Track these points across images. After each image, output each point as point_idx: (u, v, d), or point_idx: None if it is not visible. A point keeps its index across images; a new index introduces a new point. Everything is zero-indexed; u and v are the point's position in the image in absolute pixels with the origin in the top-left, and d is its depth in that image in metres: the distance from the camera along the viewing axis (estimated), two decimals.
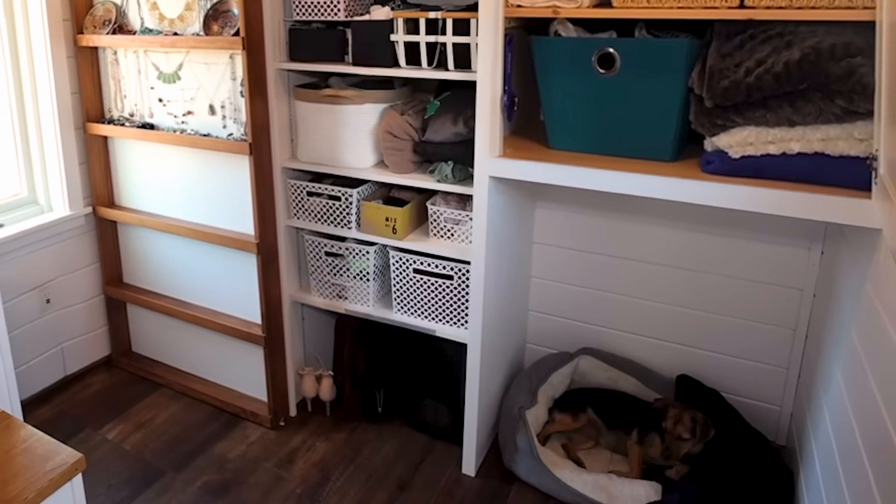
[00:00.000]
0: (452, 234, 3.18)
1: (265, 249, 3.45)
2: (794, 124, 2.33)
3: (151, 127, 3.68)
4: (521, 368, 3.85)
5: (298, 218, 3.50)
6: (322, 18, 3.16)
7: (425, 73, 2.97)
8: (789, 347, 3.24)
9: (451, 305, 3.24)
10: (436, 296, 3.26)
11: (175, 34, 3.43)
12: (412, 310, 3.35)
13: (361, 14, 3.13)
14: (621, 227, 3.48)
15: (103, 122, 3.84)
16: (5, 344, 2.51)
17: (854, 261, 2.51)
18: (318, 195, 3.39)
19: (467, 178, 3.03)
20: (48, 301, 3.90)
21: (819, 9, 2.16)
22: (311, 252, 3.54)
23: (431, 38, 2.89)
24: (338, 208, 3.35)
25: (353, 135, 3.22)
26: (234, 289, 3.73)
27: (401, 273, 3.31)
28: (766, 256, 3.19)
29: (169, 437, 3.62)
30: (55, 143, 3.79)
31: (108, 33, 3.58)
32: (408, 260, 3.26)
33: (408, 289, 3.32)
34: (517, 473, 3.24)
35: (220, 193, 3.61)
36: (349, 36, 3.12)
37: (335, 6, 3.10)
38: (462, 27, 2.81)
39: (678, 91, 2.56)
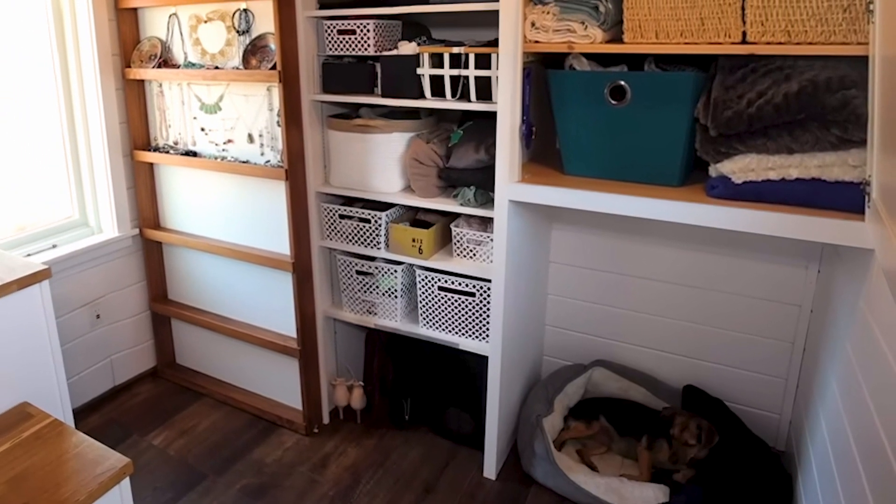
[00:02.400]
0: (474, 254, 3.20)
1: (300, 268, 3.47)
2: (793, 152, 2.35)
3: (194, 154, 3.71)
4: (538, 379, 3.86)
5: (331, 239, 3.51)
6: (353, 53, 3.18)
7: (449, 104, 2.98)
8: (788, 359, 3.25)
9: (474, 320, 3.26)
10: (459, 311, 3.28)
11: (216, 68, 3.47)
12: (437, 324, 3.37)
13: (390, 49, 3.17)
14: (632, 248, 3.49)
15: (149, 150, 3.88)
16: (58, 356, 2.55)
17: (849, 279, 2.53)
18: (350, 218, 3.40)
19: (488, 202, 3.04)
20: (98, 316, 3.93)
21: (816, 44, 2.21)
22: (342, 271, 3.55)
23: (455, 72, 2.92)
24: (368, 230, 3.36)
25: (382, 161, 3.25)
26: (271, 305, 3.73)
27: (426, 290, 3.32)
28: (767, 275, 3.19)
29: (210, 443, 3.64)
30: (105, 169, 3.82)
31: (153, 67, 3.62)
32: (433, 278, 3.28)
33: (433, 305, 3.34)
34: (535, 477, 3.26)
35: (258, 216, 3.62)
36: (378, 70, 3.15)
37: (365, 42, 3.13)
38: (483, 61, 2.84)
39: (685, 121, 2.57)
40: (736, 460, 3.04)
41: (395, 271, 3.39)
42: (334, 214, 3.46)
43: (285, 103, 3.19)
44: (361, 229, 3.39)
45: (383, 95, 3.14)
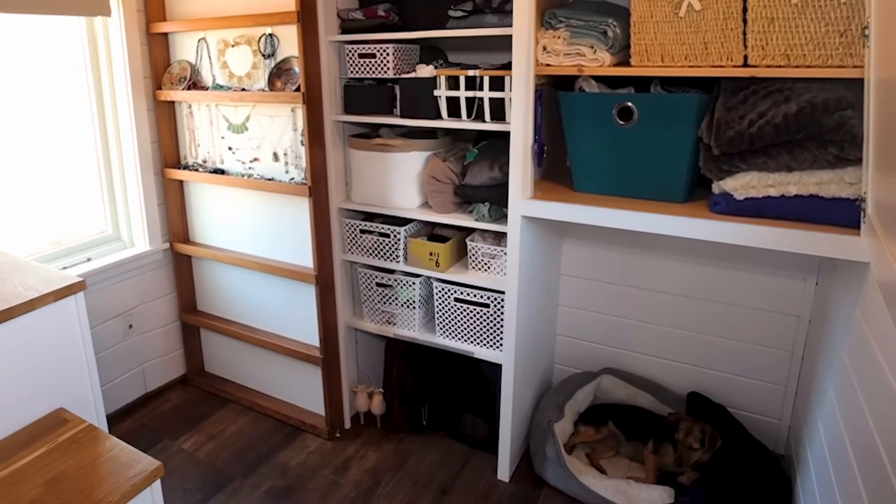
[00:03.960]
0: (489, 267, 3.20)
1: (323, 281, 3.48)
2: (792, 170, 2.35)
3: (222, 172, 3.73)
4: (549, 386, 3.86)
5: (352, 252, 3.53)
6: (373, 76, 3.20)
7: (465, 124, 2.99)
8: (787, 367, 3.25)
9: (488, 330, 3.26)
10: (474, 322, 3.29)
11: (243, 90, 3.49)
12: (453, 334, 3.38)
13: (408, 72, 3.18)
14: (639, 261, 3.49)
15: (179, 168, 3.90)
16: (93, 364, 2.56)
17: (845, 291, 2.53)
18: (370, 232, 3.41)
19: (502, 218, 3.05)
20: (131, 326, 3.96)
21: (814, 67, 2.22)
22: (363, 283, 3.57)
23: (470, 94, 2.92)
24: (387, 244, 3.37)
25: (401, 179, 3.26)
26: (295, 315, 3.75)
27: (443, 301, 3.34)
28: (767, 287, 3.20)
29: (237, 447, 3.65)
30: (137, 186, 3.84)
31: (183, 89, 3.66)
32: (449, 290, 3.29)
33: (449, 315, 3.35)
34: (546, 479, 3.27)
35: (283, 231, 3.63)
36: (397, 91, 3.15)
37: (385, 65, 3.15)
38: (497, 84, 2.85)
39: (689, 140, 2.58)
40: (738, 463, 3.05)
41: (414, 283, 3.40)
42: (355, 229, 3.48)
43: (309, 123, 3.21)
44: (381, 243, 3.40)
45: (402, 116, 3.16)
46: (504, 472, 3.38)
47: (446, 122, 3.05)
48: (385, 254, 3.43)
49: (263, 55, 3.40)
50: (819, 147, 2.27)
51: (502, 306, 3.17)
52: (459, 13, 2.96)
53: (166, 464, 3.48)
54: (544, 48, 2.68)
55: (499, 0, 2.86)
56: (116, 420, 3.91)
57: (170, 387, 4.30)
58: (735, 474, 3.01)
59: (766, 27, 2.27)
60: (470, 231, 3.38)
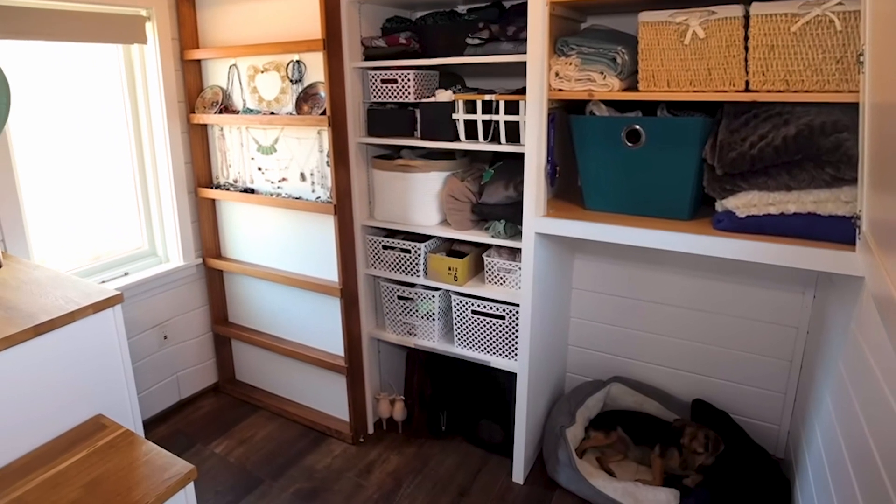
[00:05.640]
0: (504, 281, 3.22)
1: (347, 294, 3.50)
2: (791, 189, 2.36)
3: (252, 191, 3.76)
4: (561, 393, 3.87)
5: (375, 267, 3.55)
6: (395, 100, 3.23)
7: (481, 146, 3.02)
8: (786, 376, 3.25)
9: (503, 341, 3.27)
10: (490, 333, 3.30)
11: (272, 113, 3.51)
12: (470, 344, 3.39)
13: (428, 96, 3.20)
14: (646, 275, 3.50)
15: (211, 187, 3.93)
16: (130, 373, 2.54)
17: (841, 303, 2.52)
18: (392, 248, 3.43)
19: (517, 234, 3.07)
20: (165, 337, 3.99)
21: (812, 92, 2.23)
22: (385, 296, 3.58)
23: (486, 117, 2.95)
24: (408, 259, 3.39)
25: (421, 198, 3.29)
26: (320, 327, 3.77)
27: (461, 314, 3.35)
28: (767, 300, 3.20)
29: (266, 451, 3.67)
30: (171, 204, 3.89)
31: (215, 113, 3.70)
32: (467, 303, 3.31)
33: (467, 327, 3.36)
34: (559, 482, 3.28)
35: (309, 247, 3.66)
36: (418, 115, 3.18)
37: (406, 90, 3.18)
38: (512, 108, 2.87)
39: (693, 161, 2.59)
40: (739, 467, 3.06)
41: (433, 296, 3.41)
42: (378, 245, 3.50)
43: (334, 145, 3.24)
44: (402, 259, 3.43)
45: (422, 138, 3.19)
46: (519, 474, 3.40)
47: (464, 144, 3.08)
48: (406, 268, 3.45)
49: (291, 80, 3.43)
50: (817, 167, 2.29)
51: (517, 318, 3.18)
52: (477, 41, 2.99)
53: (199, 467, 3.51)
54: (557, 74, 2.71)
55: (514, 29, 2.89)
56: (152, 425, 3.94)
57: (202, 394, 4.33)
58: (737, 477, 3.01)
59: (766, 54, 2.30)
60: (486, 247, 3.40)
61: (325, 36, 3.10)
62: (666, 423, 3.35)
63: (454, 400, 3.78)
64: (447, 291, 3.45)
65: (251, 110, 3.64)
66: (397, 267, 3.48)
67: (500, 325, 3.27)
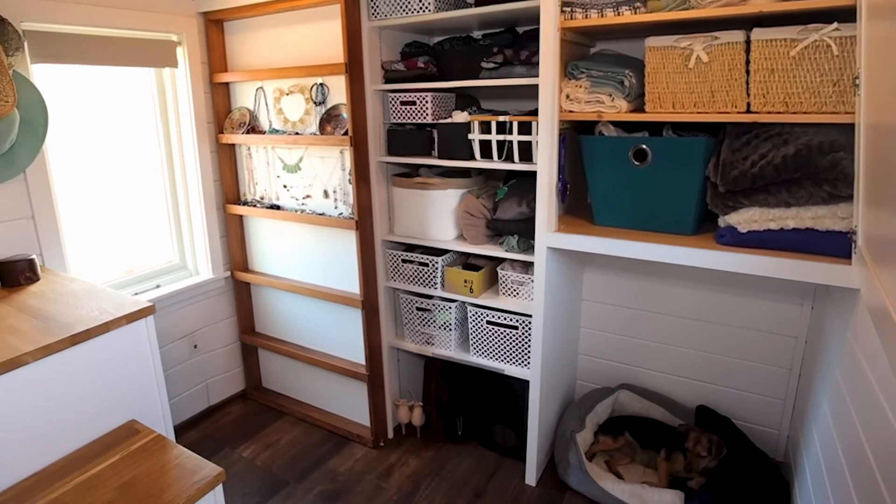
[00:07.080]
0: (517, 293, 3.24)
1: (368, 305, 3.51)
2: (790, 205, 2.38)
3: (278, 208, 3.77)
4: (572, 400, 3.88)
5: (395, 280, 3.56)
6: (414, 121, 3.25)
7: (496, 164, 3.03)
8: (786, 383, 3.26)
9: (517, 350, 3.28)
10: (504, 342, 3.30)
11: (297, 134, 3.53)
12: (485, 353, 3.39)
13: (445, 118, 3.24)
14: (652, 288, 3.51)
15: (239, 204, 3.96)
16: (161, 380, 2.55)
17: (838, 314, 2.52)
18: (411, 262, 3.45)
19: (529, 249, 3.08)
20: (195, 346, 4.01)
21: (810, 113, 2.25)
22: (404, 307, 3.61)
23: (501, 137, 2.97)
24: (426, 272, 3.42)
25: (439, 214, 3.31)
26: (343, 336, 3.79)
27: (476, 324, 3.36)
28: (767, 311, 3.21)
29: (291, 455, 3.68)
30: (201, 220, 3.92)
31: (243, 133, 3.72)
32: (482, 314, 3.31)
33: (482, 336, 3.37)
34: (569, 484, 3.28)
35: (332, 260, 3.67)
36: (435, 135, 3.22)
37: (424, 111, 3.20)
38: (525, 128, 2.90)
39: (697, 179, 2.60)
40: (741, 470, 3.07)
41: (450, 308, 3.43)
42: (397, 259, 3.51)
43: (356, 164, 3.26)
44: (421, 272, 3.45)
45: (440, 157, 3.21)
46: (531, 477, 3.40)
47: (479, 163, 3.10)
48: (424, 281, 3.47)
49: (315, 102, 3.45)
50: (814, 185, 2.30)
51: (530, 328, 3.19)
52: (491, 65, 3.02)
53: (227, 470, 3.53)
54: (567, 96, 2.73)
55: (527, 53, 2.91)
56: (183, 430, 3.95)
57: (231, 401, 4.34)
58: (739, 479, 3.02)
59: (766, 77, 2.31)
60: (500, 261, 3.43)
61: (347, 60, 3.13)
62: (671, 428, 3.36)
63: (470, 406, 3.78)
64: (463, 303, 3.46)
65: (277, 131, 3.66)
66: (416, 279, 3.50)
67: (514, 335, 3.28)
